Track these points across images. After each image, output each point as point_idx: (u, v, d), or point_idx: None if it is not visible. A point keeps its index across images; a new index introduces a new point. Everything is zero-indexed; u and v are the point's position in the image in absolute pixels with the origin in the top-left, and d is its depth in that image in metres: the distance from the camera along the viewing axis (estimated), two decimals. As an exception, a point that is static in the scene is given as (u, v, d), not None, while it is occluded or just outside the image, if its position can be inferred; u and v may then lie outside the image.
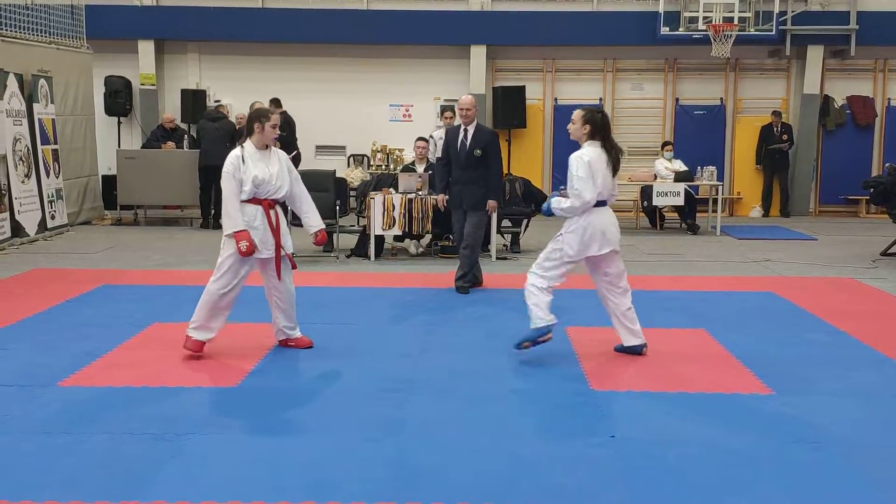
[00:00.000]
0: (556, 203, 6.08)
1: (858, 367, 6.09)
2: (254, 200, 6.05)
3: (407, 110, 16.69)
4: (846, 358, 6.35)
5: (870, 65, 16.41)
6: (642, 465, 4.30)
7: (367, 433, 4.72)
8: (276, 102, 14.23)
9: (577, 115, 6.12)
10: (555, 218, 6.22)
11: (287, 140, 13.37)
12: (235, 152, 6.08)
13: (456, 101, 15.92)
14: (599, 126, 6.05)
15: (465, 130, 8.65)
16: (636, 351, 6.26)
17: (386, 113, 16.61)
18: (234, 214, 6.00)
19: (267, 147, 6.14)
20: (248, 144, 6.10)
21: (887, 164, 12.67)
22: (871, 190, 12.10)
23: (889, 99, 16.42)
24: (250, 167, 6.01)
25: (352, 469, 4.24)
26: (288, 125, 13.88)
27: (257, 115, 6.13)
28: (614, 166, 6.07)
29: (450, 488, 4.03)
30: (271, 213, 6.10)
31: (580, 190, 5.95)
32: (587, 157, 5.98)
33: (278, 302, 6.34)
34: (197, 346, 6.14)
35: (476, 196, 8.58)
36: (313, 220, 6.39)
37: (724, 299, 8.42)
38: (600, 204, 6.04)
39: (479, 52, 16.12)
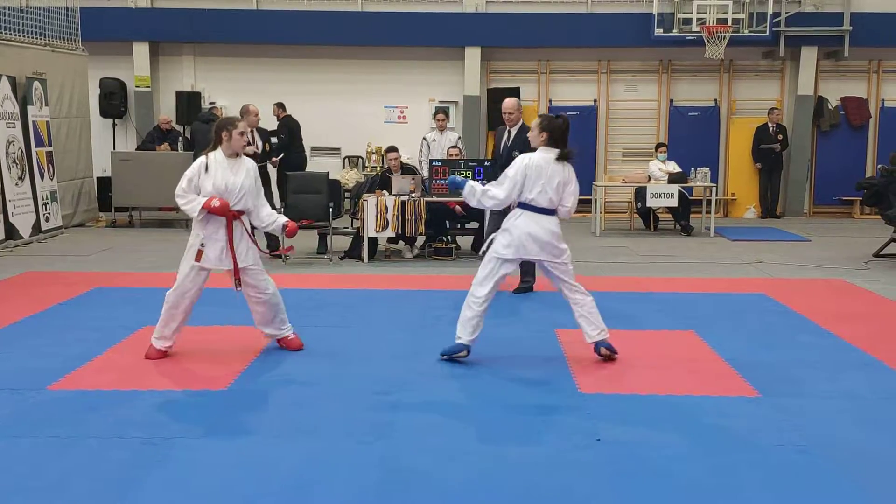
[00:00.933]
0: (471, 186, 6.10)
1: (847, 370, 6.10)
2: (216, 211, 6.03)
3: (402, 112, 16.70)
4: (835, 360, 6.36)
5: (863, 66, 16.43)
6: (628, 468, 4.32)
7: (357, 436, 4.73)
8: (280, 106, 14.29)
9: (534, 122, 6.14)
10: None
11: (284, 144, 13.40)
12: (200, 159, 6.10)
13: (451, 102, 16.17)
14: (559, 133, 6.02)
15: (510, 132, 8.80)
16: (605, 346, 6.16)
17: (381, 114, 16.62)
18: (191, 197, 6.01)
19: (237, 155, 6.14)
20: (218, 152, 6.10)
21: (880, 166, 12.70)
22: (865, 191, 12.13)
23: (883, 100, 16.45)
24: (213, 175, 6.00)
25: (341, 472, 4.25)
26: (287, 128, 13.89)
27: (223, 124, 6.12)
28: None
29: (438, 491, 4.05)
30: (234, 224, 6.07)
31: (496, 186, 6.07)
32: (527, 161, 6.01)
33: (256, 308, 6.33)
34: (158, 354, 6.21)
35: None
36: (270, 220, 6.30)
37: (715, 301, 8.44)
38: (540, 211, 6.02)
39: (473, 54, 16.13)
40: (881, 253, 11.23)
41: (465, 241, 11.61)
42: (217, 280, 9.05)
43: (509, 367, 6.10)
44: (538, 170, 5.98)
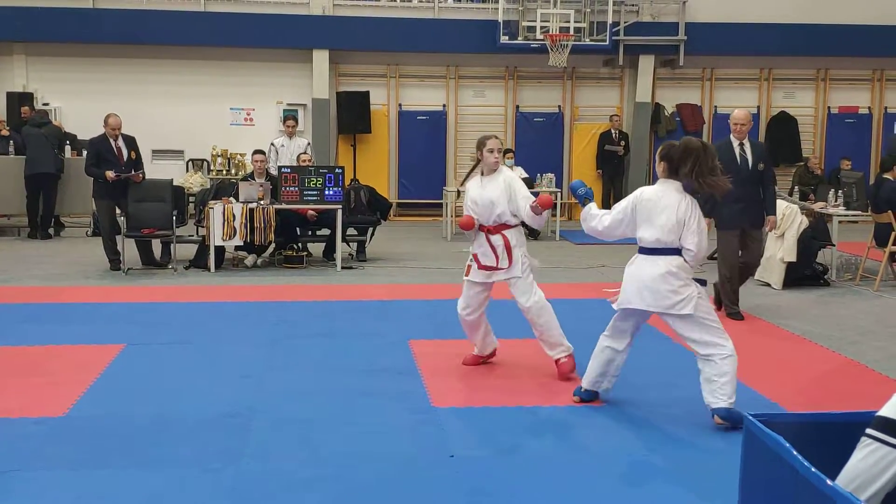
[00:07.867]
0: (587, 210, 5.62)
1: (688, 374, 6.33)
2: (480, 227, 6.22)
3: (248, 114, 16.38)
4: (673, 366, 6.57)
5: (697, 74, 17.24)
6: (480, 485, 4.36)
7: (204, 464, 4.59)
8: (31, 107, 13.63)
9: (658, 152, 5.38)
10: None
11: (41, 156, 12.60)
12: (471, 180, 6.37)
13: (300, 105, 15.96)
14: (676, 162, 5.16)
15: (742, 145, 8.31)
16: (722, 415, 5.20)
17: (226, 116, 16.25)
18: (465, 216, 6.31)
19: (494, 171, 6.22)
20: (477, 172, 6.35)
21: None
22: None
23: (715, 107, 17.27)
24: (469, 192, 6.30)
25: (188, 502, 4.12)
26: (46, 137, 12.85)
27: (477, 145, 6.29)
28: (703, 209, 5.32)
29: (288, 519, 3.98)
30: (493, 238, 6.17)
31: (608, 214, 5.48)
32: (639, 193, 5.35)
33: (532, 324, 6.32)
34: (473, 360, 6.53)
35: (760, 213, 8.36)
36: (524, 212, 6.22)
37: (561, 307, 8.62)
38: (651, 252, 5.23)
39: (321, 57, 16.00)
40: (713, 256, 11.79)
41: (316, 249, 11.49)
42: (47, 295, 8.63)
43: (362, 383, 6.04)
44: (648, 204, 5.22)
